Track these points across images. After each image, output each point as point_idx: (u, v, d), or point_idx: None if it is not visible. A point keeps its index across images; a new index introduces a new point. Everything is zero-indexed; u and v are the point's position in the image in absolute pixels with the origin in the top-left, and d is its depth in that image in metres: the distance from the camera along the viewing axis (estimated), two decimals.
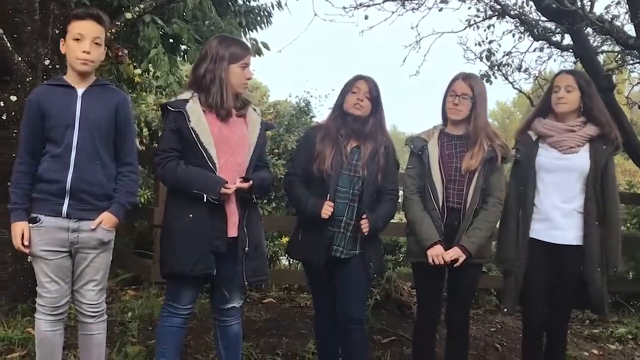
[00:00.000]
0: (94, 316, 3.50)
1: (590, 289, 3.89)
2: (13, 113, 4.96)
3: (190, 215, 3.50)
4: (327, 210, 3.83)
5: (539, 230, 3.96)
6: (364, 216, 3.88)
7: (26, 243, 3.37)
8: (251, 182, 3.55)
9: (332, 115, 4.08)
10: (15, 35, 4.97)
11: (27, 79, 4.97)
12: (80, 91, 3.43)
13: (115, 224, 3.48)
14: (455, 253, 3.85)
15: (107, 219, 3.43)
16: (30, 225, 3.38)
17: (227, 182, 3.49)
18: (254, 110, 3.79)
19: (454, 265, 3.86)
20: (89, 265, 3.44)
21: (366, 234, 3.88)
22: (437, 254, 3.85)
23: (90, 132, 3.39)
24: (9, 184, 4.83)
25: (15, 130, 4.95)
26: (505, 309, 4.10)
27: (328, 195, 3.86)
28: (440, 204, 3.92)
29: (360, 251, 3.94)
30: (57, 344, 3.54)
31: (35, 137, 3.40)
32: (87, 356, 3.59)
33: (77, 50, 3.37)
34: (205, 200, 3.45)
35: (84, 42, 3.37)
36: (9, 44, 4.83)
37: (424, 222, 3.92)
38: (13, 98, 4.97)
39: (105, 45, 3.52)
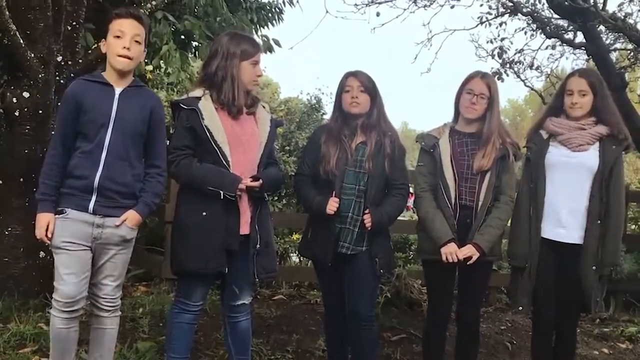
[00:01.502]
0: (109, 310, 3.54)
1: (581, 285, 3.90)
2: (26, 109, 4.98)
3: (204, 213, 3.51)
4: (332, 206, 3.83)
5: (545, 228, 3.97)
6: (367, 211, 3.88)
7: (49, 235, 3.39)
8: (261, 181, 3.56)
9: (333, 116, 4.10)
10: (28, 32, 4.98)
11: (40, 76, 4.99)
12: (118, 91, 3.46)
13: (139, 222, 3.52)
14: (469, 251, 3.85)
15: (132, 216, 3.46)
16: (56, 216, 3.40)
17: (242, 179, 3.51)
18: (264, 107, 3.80)
19: (467, 263, 3.86)
20: (108, 260, 3.48)
21: (369, 228, 3.87)
22: (451, 251, 3.85)
23: (123, 132, 3.42)
24: (22, 179, 4.96)
25: (28, 127, 4.99)
26: (521, 308, 4.09)
27: (334, 192, 3.87)
28: (453, 201, 3.91)
29: (366, 247, 3.93)
30: (71, 341, 3.56)
31: (70, 131, 3.43)
32: (97, 349, 3.63)
33: (118, 46, 3.41)
34: (222, 197, 3.47)
35: (124, 38, 3.41)
36: (21, 41, 4.85)
37: (436, 219, 3.92)
38: (25, 94, 4.99)
39: (146, 47, 3.56)
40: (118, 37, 3.41)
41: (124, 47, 3.40)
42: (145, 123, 3.50)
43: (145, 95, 3.59)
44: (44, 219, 3.40)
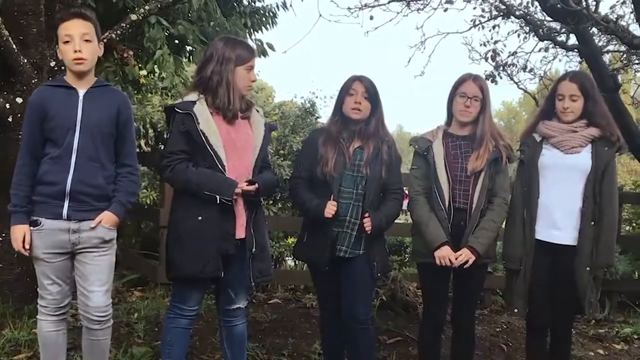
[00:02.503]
0: (101, 321, 3.48)
1: (576, 287, 3.91)
2: (19, 115, 4.97)
3: (200, 218, 3.50)
4: (330, 209, 3.81)
5: (539, 230, 3.98)
6: (367, 215, 3.87)
7: (27, 246, 3.38)
8: (257, 185, 3.56)
9: (332, 118, 4.07)
10: (21, 37, 4.99)
11: (33, 81, 4.99)
12: (81, 92, 3.43)
13: (116, 222, 3.48)
14: (465, 255, 3.84)
15: (107, 217, 3.43)
16: (31, 228, 3.38)
17: (238, 184, 3.50)
18: (257, 111, 3.79)
19: (464, 267, 3.85)
20: (92, 264, 3.43)
21: (369, 232, 3.86)
22: (445, 255, 3.85)
23: (91, 134, 3.38)
24: None
25: (22, 133, 4.98)
26: (516, 310, 4.09)
27: (332, 196, 3.86)
28: (447, 204, 3.91)
29: (364, 251, 3.93)
30: (60, 344, 3.56)
31: (37, 139, 3.40)
32: (90, 359, 3.60)
33: (69, 52, 3.37)
34: (218, 202, 3.46)
35: (73, 41, 3.35)
36: (14, 46, 4.84)
37: (430, 222, 3.92)
38: (19, 100, 4.99)
39: (100, 41, 3.50)
40: (67, 42, 3.37)
41: (75, 51, 3.35)
42: (112, 122, 3.46)
43: (110, 94, 3.54)
44: (18, 231, 3.38)
